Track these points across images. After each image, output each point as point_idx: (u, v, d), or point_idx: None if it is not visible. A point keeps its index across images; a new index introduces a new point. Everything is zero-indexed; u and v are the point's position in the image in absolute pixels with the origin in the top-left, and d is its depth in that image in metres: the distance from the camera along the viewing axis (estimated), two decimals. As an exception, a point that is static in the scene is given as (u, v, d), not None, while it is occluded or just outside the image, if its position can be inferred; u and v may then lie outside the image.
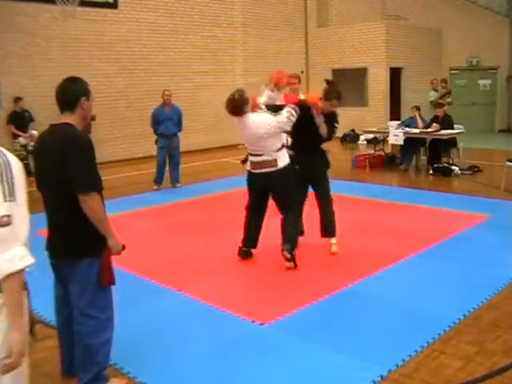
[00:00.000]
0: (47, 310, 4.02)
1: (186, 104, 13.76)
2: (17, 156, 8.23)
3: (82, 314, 2.85)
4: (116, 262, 4.58)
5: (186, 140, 13.85)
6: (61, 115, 2.87)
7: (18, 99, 10.53)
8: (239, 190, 8.70)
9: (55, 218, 2.86)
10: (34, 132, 10.36)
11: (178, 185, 9.17)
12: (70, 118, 2.84)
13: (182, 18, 13.59)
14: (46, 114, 9.80)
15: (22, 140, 10.36)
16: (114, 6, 12.18)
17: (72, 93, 2.86)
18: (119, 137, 12.50)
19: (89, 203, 2.72)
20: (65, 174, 2.70)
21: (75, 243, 2.81)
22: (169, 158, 9.14)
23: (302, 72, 16.85)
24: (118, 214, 7.08)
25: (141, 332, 3.72)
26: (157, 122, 9.01)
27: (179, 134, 9.26)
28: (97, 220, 2.77)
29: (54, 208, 2.86)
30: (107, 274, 2.86)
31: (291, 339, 3.56)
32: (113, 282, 2.91)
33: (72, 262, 2.82)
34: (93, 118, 11.45)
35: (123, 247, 2.93)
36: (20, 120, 10.42)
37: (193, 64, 13.82)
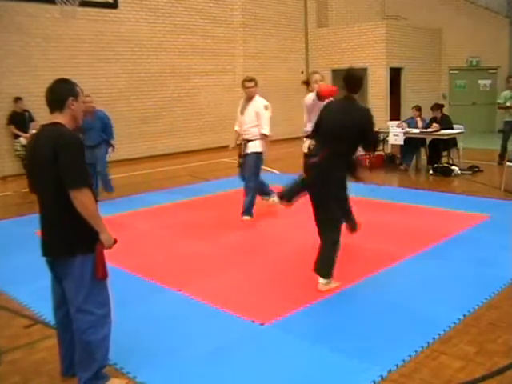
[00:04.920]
0: (47, 310, 4.02)
1: (186, 104, 13.82)
2: (17, 156, 8.35)
3: (79, 311, 2.89)
4: (116, 262, 4.59)
5: (186, 140, 13.91)
6: (51, 115, 2.95)
7: (17, 99, 10.54)
8: (239, 190, 8.72)
9: (48, 217, 2.90)
10: (35, 132, 10.38)
11: (111, 194, 8.26)
12: (60, 118, 2.91)
13: (182, 18, 13.60)
14: (46, 114, 9.81)
15: (22, 140, 10.37)
16: (114, 6, 12.18)
17: (60, 93, 2.93)
18: (119, 137, 12.47)
19: (80, 198, 2.76)
20: (56, 172, 2.76)
21: (69, 240, 2.85)
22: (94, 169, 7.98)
23: (302, 72, 16.87)
24: (118, 214, 7.09)
25: (141, 332, 3.72)
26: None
27: (113, 142, 8.41)
28: (89, 215, 2.80)
29: (47, 206, 2.90)
30: (100, 267, 2.90)
31: (291, 339, 3.56)
32: (106, 276, 2.95)
33: (66, 259, 2.86)
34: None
35: (115, 241, 2.98)
36: (20, 120, 10.43)
37: (193, 64, 13.83)
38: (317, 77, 5.98)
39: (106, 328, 2.98)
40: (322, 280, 4.43)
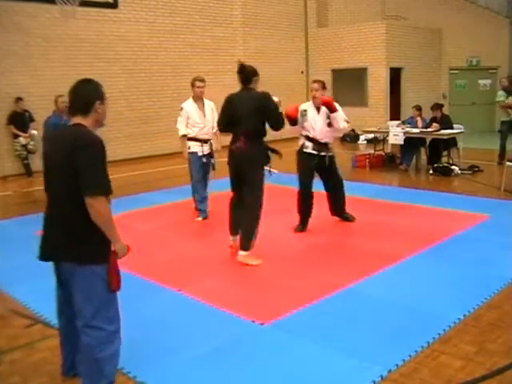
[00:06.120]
0: (47, 310, 4.03)
1: (186, 104, 13.81)
2: (17, 156, 8.31)
3: (87, 326, 2.73)
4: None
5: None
6: (73, 117, 2.80)
7: (18, 99, 10.55)
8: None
9: (60, 218, 2.73)
10: (34, 132, 10.39)
11: None
12: (83, 121, 2.76)
13: (182, 17, 13.60)
14: (46, 113, 9.83)
15: (22, 140, 10.40)
16: (114, 5, 12.19)
17: (86, 96, 2.78)
18: (119, 137, 12.50)
19: (96, 207, 2.62)
20: (73, 174, 2.61)
21: (80, 248, 2.70)
22: None
23: (302, 72, 16.87)
24: (118, 214, 7.07)
25: (141, 332, 3.72)
26: None
27: None
28: (104, 224, 2.67)
29: (59, 208, 2.73)
30: (115, 279, 2.76)
31: (291, 339, 3.56)
32: (119, 288, 2.81)
33: (74, 266, 2.71)
34: None
35: (128, 248, 2.88)
36: (20, 120, 10.44)
37: (193, 64, 13.83)
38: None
39: (116, 343, 2.82)
40: (241, 252, 5.04)
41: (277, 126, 5.10)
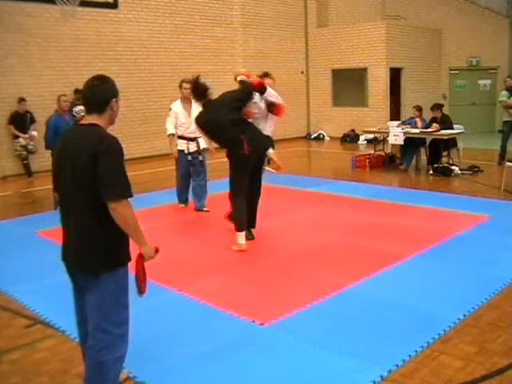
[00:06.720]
0: (47, 310, 4.03)
1: (186, 104, 13.81)
2: (17, 156, 8.34)
3: (97, 328, 2.66)
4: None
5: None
6: (87, 115, 2.71)
7: (21, 100, 10.54)
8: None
9: (77, 226, 2.63)
10: (34, 133, 10.38)
11: None
12: (98, 120, 2.67)
13: (182, 17, 13.60)
14: (46, 114, 9.84)
15: (21, 140, 10.40)
16: (114, 6, 12.17)
17: (102, 94, 2.71)
18: (119, 137, 12.03)
19: (120, 211, 2.54)
20: (92, 178, 2.51)
21: (96, 255, 2.62)
22: None
23: (302, 72, 16.87)
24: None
25: (141, 332, 3.71)
26: (56, 132, 7.25)
27: None
28: (129, 229, 2.61)
29: (76, 215, 2.62)
30: (143, 283, 2.76)
31: (291, 339, 3.56)
32: (143, 291, 2.81)
33: (91, 274, 2.63)
34: None
35: (157, 250, 2.82)
36: (21, 121, 10.44)
37: (193, 64, 13.83)
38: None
39: (123, 348, 2.75)
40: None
41: (246, 89, 5.73)
